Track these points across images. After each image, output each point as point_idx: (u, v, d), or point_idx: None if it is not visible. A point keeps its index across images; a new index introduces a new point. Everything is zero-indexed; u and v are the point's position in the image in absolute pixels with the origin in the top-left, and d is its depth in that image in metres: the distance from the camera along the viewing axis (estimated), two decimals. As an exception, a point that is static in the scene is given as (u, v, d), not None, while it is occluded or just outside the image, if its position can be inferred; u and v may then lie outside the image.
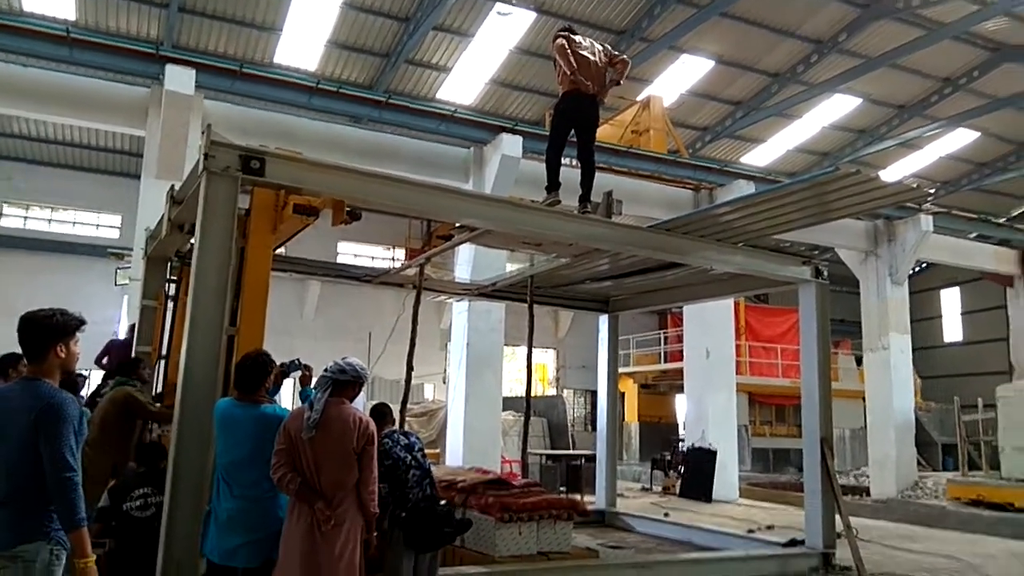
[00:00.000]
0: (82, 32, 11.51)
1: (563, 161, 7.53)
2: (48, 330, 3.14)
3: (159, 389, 7.26)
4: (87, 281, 20.42)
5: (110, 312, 19.62)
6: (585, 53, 7.19)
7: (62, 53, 10.33)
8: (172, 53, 11.57)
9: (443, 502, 5.37)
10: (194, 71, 10.59)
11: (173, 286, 7.78)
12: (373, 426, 4.28)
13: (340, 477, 4.08)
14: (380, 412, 5.47)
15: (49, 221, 21.93)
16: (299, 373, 5.61)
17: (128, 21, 15.99)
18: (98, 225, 22.27)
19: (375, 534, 4.30)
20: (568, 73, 7.03)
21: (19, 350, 5.92)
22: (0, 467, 3.01)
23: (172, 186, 6.52)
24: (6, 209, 21.46)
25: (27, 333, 3.15)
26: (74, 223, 22.09)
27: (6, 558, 2.94)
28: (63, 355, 3.15)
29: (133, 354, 7.51)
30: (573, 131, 7.41)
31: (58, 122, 17.67)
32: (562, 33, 7.33)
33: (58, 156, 21.44)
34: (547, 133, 8.73)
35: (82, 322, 3.25)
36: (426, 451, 5.54)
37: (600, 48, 7.43)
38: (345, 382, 4.26)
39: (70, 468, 2.95)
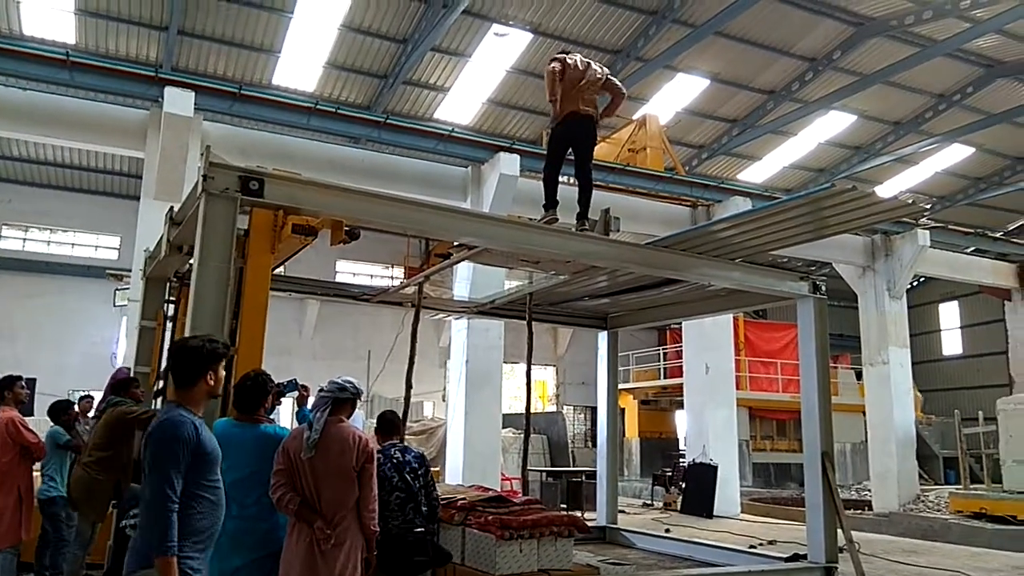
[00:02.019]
0: (82, 55, 11.56)
1: (560, 179, 7.59)
2: (202, 358, 3.22)
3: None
4: (86, 302, 20.49)
5: (109, 332, 19.68)
6: (587, 75, 7.27)
7: (62, 76, 10.39)
8: (171, 75, 11.63)
9: (419, 529, 5.05)
10: (193, 93, 10.66)
11: (172, 306, 7.78)
12: (373, 444, 4.28)
13: (340, 496, 4.08)
14: (387, 422, 5.39)
15: (48, 243, 21.97)
16: (296, 393, 5.60)
17: (127, 44, 16.09)
18: (97, 246, 22.30)
19: (375, 553, 4.29)
20: (548, 98, 7.23)
21: (15, 373, 5.98)
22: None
23: (171, 207, 6.55)
24: (5, 231, 21.53)
25: (180, 361, 3.23)
26: (73, 244, 22.12)
27: None
28: (212, 381, 3.24)
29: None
30: (571, 150, 7.49)
31: (57, 144, 17.77)
32: (557, 57, 7.41)
33: (57, 178, 21.51)
34: (544, 151, 8.78)
35: (229, 348, 3.37)
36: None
37: (598, 68, 7.50)
38: (344, 400, 4.27)
39: (160, 493, 2.92)
